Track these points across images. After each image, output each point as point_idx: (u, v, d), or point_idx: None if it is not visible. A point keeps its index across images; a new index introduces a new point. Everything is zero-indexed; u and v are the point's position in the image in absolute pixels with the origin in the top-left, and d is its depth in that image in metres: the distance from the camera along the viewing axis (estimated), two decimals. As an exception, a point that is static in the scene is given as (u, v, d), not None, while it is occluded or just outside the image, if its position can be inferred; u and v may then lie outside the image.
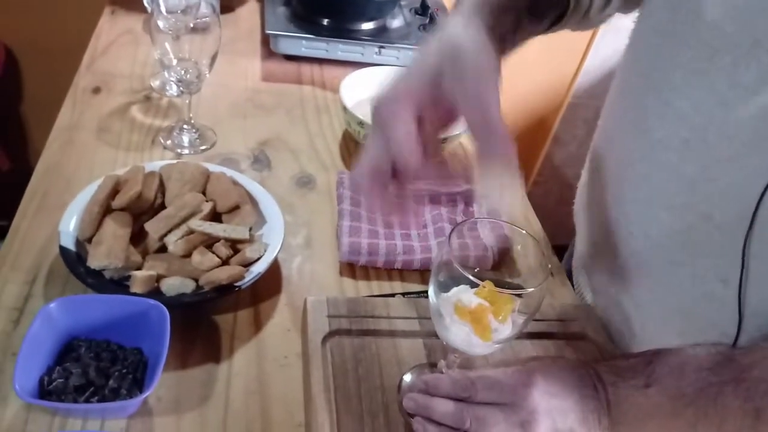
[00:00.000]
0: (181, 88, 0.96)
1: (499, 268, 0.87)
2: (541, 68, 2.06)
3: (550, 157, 2.33)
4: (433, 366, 0.69)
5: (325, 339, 0.69)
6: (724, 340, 0.63)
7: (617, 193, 0.74)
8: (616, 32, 1.82)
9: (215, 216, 0.80)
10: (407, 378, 0.68)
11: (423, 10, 1.38)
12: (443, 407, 0.59)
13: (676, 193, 0.64)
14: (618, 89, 0.77)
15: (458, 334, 0.59)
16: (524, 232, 0.65)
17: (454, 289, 0.60)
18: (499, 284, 0.57)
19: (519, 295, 0.59)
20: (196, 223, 0.75)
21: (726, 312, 0.62)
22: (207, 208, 0.78)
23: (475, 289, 0.58)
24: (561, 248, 0.97)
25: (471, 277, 0.55)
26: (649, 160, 0.68)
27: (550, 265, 0.60)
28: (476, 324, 0.58)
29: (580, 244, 0.90)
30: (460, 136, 1.05)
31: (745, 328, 0.61)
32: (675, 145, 0.64)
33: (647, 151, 0.68)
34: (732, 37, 0.57)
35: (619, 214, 0.74)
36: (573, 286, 0.91)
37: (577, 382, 0.59)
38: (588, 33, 2.01)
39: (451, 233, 0.60)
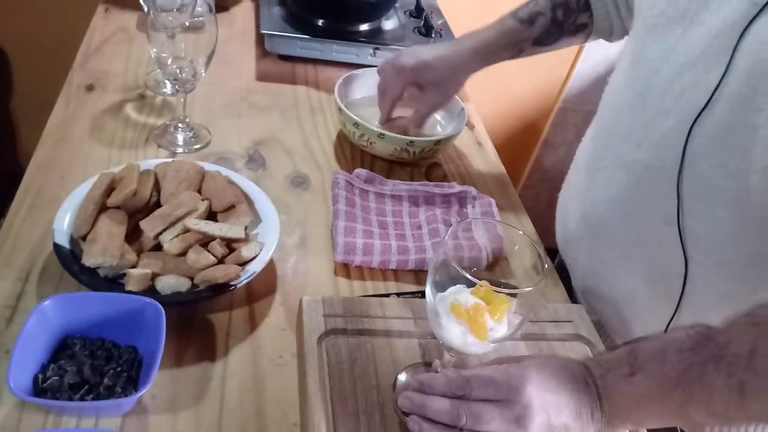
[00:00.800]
0: (176, 87, 0.95)
1: (492, 268, 0.88)
2: (532, 73, 2.07)
3: (540, 160, 2.33)
4: (428, 365, 0.70)
5: (320, 338, 0.69)
6: (677, 280, 0.72)
7: (588, 162, 0.86)
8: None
9: (210, 215, 0.80)
10: (402, 377, 0.68)
11: (418, 12, 1.38)
12: (438, 405, 0.60)
13: (629, 151, 0.75)
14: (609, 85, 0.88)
15: (454, 333, 0.60)
16: (521, 232, 0.65)
17: (451, 289, 0.60)
18: (494, 284, 0.58)
19: (514, 295, 0.59)
20: (192, 222, 0.75)
21: (674, 251, 0.71)
22: (202, 206, 0.78)
23: (472, 288, 0.58)
24: (551, 251, 0.97)
25: (469, 276, 0.56)
26: (611, 129, 0.80)
27: (546, 265, 0.60)
28: (472, 323, 0.58)
29: (560, 229, 0.96)
30: (453, 138, 1.05)
31: (691, 262, 0.71)
32: (632, 102, 0.76)
33: (609, 121, 0.81)
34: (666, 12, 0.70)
35: (586, 184, 0.85)
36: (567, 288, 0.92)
37: (570, 377, 0.60)
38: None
39: (449, 233, 0.60)
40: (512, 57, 0.99)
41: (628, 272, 0.80)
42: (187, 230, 0.75)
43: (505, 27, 0.97)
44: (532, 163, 2.34)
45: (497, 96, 2.08)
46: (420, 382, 0.62)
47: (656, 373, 0.58)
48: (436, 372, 0.66)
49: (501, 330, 0.59)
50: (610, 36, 0.97)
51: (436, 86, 1.01)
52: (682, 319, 0.74)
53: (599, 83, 2.23)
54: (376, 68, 1.12)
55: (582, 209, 0.87)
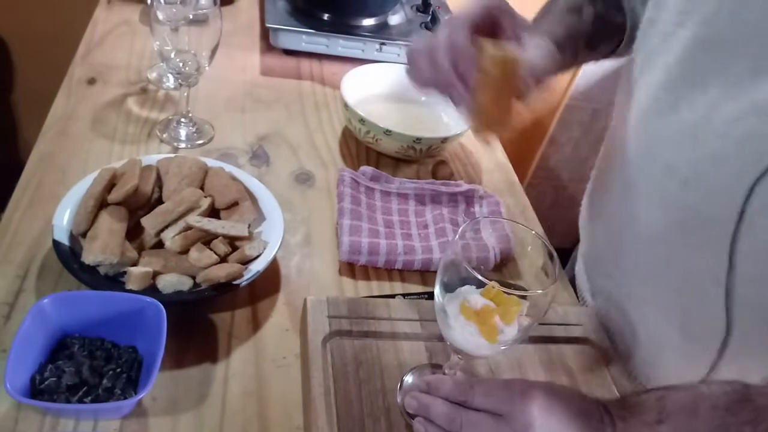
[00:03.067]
0: (179, 81, 0.94)
1: (500, 269, 0.86)
2: (538, 69, 2.05)
3: (545, 158, 2.32)
4: (435, 367, 0.68)
5: (325, 340, 0.67)
6: (714, 340, 0.64)
7: (619, 194, 0.75)
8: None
9: (213, 212, 0.78)
10: (408, 379, 0.66)
11: (425, 7, 1.36)
12: (439, 408, 0.58)
13: (671, 189, 0.64)
14: (623, 89, 0.76)
15: (463, 334, 0.58)
16: (533, 232, 0.63)
17: (460, 289, 0.59)
18: (503, 286, 0.56)
19: (524, 297, 0.57)
20: (195, 219, 0.73)
21: (716, 312, 0.63)
22: (205, 203, 0.76)
23: (482, 289, 0.57)
24: (557, 251, 0.96)
25: (480, 277, 0.54)
26: (647, 157, 0.68)
27: (558, 269, 0.58)
28: (482, 325, 0.57)
29: (584, 248, 0.88)
30: (460, 135, 1.03)
31: (735, 327, 0.62)
32: (670, 140, 0.64)
33: (645, 148, 0.68)
34: (722, 33, 0.58)
35: (621, 215, 0.75)
36: (575, 290, 0.90)
37: (583, 409, 0.57)
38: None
39: (459, 233, 0.59)
40: (571, 61, 0.78)
41: (661, 314, 0.72)
42: (189, 228, 0.73)
43: (557, 13, 0.80)
44: (537, 161, 2.32)
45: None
46: (427, 382, 0.61)
47: (685, 426, 0.54)
48: (444, 374, 0.65)
49: (511, 332, 0.58)
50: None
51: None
52: (718, 377, 0.68)
53: (606, 80, 2.23)
54: (382, 64, 1.11)
55: (612, 237, 0.78)
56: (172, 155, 0.84)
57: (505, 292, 0.55)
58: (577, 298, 0.88)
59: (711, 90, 0.59)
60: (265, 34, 1.27)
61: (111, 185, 0.75)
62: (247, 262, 0.74)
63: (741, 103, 0.57)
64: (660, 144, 0.66)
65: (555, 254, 0.59)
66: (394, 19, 1.31)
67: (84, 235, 0.71)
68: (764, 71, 0.55)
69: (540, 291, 0.56)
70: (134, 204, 0.75)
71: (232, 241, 0.75)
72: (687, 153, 0.62)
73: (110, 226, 0.71)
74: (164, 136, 0.98)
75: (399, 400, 0.64)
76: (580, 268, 0.90)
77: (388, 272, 0.84)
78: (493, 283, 0.55)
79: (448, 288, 0.59)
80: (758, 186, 0.55)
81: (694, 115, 0.61)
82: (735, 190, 0.57)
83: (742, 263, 0.59)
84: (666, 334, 0.71)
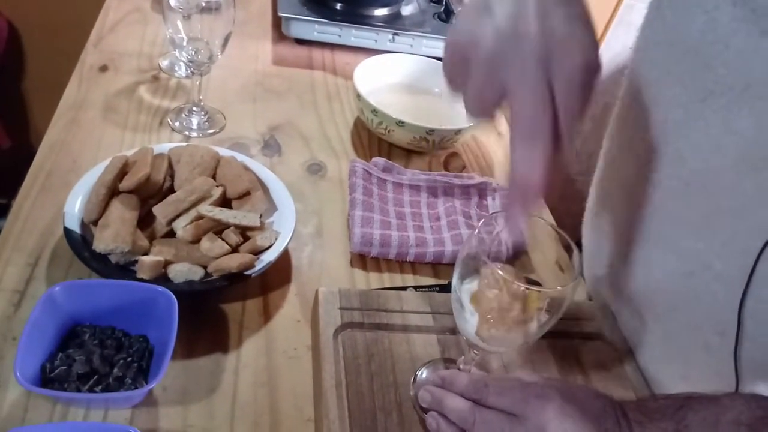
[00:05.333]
0: (191, 69, 0.93)
1: (513, 262, 0.85)
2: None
3: (555, 151, 2.30)
4: (448, 361, 0.67)
5: (336, 332, 0.67)
6: (725, 389, 0.59)
7: (624, 230, 0.71)
8: (627, 27, 1.79)
9: (225, 202, 0.78)
10: (421, 373, 0.66)
11: (438, -3, 1.35)
12: (453, 403, 0.57)
13: (682, 237, 0.62)
14: (620, 118, 0.73)
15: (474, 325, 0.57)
16: (550, 226, 0.62)
17: (474, 281, 0.58)
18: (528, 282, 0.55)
19: (535, 289, 0.55)
20: (206, 209, 0.73)
21: (724, 364, 0.60)
22: (217, 193, 0.75)
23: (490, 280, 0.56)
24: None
25: (497, 269, 0.53)
26: (654, 199, 0.65)
27: (577, 265, 0.57)
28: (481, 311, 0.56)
29: (588, 261, 0.86)
30: (473, 127, 1.02)
31: (743, 382, 0.60)
32: (677, 188, 0.61)
33: (651, 190, 0.64)
34: (725, 79, 0.54)
35: (625, 251, 0.71)
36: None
37: (599, 411, 0.55)
38: (599, 27, 1.98)
39: (479, 226, 0.58)
40: None
41: (663, 359, 0.70)
42: (200, 217, 0.73)
43: None
44: (547, 155, 2.30)
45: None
46: (442, 377, 0.60)
47: None
48: (459, 369, 0.64)
49: (530, 328, 0.57)
50: None
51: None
52: None
53: (619, 74, 2.20)
54: (395, 54, 1.10)
55: (614, 270, 0.74)
56: (184, 144, 0.83)
57: (526, 288, 0.54)
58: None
59: (713, 136, 0.56)
60: (277, 23, 1.26)
61: (123, 173, 0.75)
62: (258, 252, 0.73)
63: (749, 152, 0.54)
64: (668, 192, 0.63)
65: (575, 248, 0.57)
66: (407, 9, 1.30)
67: (95, 223, 0.71)
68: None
69: (560, 287, 0.55)
70: (146, 192, 0.75)
71: (244, 231, 0.75)
72: (698, 204, 0.59)
73: (122, 215, 0.70)
74: (176, 124, 0.97)
75: (412, 393, 0.63)
76: (590, 288, 0.88)
77: (400, 264, 0.84)
78: (498, 267, 0.54)
79: (465, 281, 0.58)
80: None
81: (697, 161, 0.58)
82: (747, 246, 0.55)
83: (750, 322, 0.57)
84: (670, 379, 0.70)
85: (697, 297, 0.62)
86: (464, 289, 0.58)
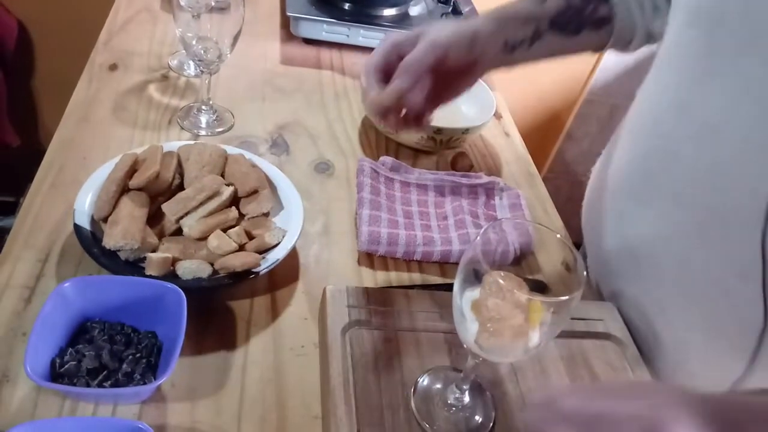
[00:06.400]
0: (200, 68, 0.93)
1: (519, 262, 0.85)
2: (557, 64, 2.03)
3: (561, 153, 2.30)
4: (455, 370, 0.67)
5: (344, 330, 0.67)
6: (749, 335, 0.62)
7: (628, 190, 0.73)
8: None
9: (234, 199, 0.78)
10: (423, 380, 0.65)
11: (446, -2, 1.35)
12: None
13: (690, 190, 0.64)
14: (642, 90, 0.76)
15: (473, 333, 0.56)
16: (558, 236, 0.61)
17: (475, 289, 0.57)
18: (522, 280, 0.54)
19: (537, 298, 0.54)
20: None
21: (749, 307, 0.61)
22: (227, 192, 0.76)
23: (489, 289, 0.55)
24: (574, 246, 0.95)
25: (500, 281, 0.52)
26: (663, 153, 0.67)
27: (586, 272, 0.56)
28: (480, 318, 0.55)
29: (592, 250, 0.87)
30: (481, 127, 1.03)
31: None
32: (688, 137, 0.63)
33: (661, 143, 0.67)
34: (734, 31, 0.57)
35: (630, 212, 0.73)
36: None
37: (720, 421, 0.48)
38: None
39: (481, 233, 0.57)
40: (532, 39, 0.80)
41: (683, 317, 0.70)
42: (209, 214, 0.73)
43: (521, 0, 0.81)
44: (554, 156, 2.30)
45: (521, 86, 2.04)
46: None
47: None
48: (460, 373, 0.63)
49: (533, 338, 0.56)
50: (629, 42, 0.83)
51: (463, 69, 0.82)
52: (755, 377, 0.65)
53: (626, 76, 2.20)
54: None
55: (622, 237, 0.76)
56: (193, 142, 0.83)
57: (528, 298, 0.53)
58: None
59: (729, 87, 0.59)
60: (285, 22, 1.26)
61: (132, 171, 0.75)
62: (266, 250, 0.74)
63: (762, 97, 0.56)
64: (677, 144, 0.65)
65: (580, 259, 0.56)
66: (415, 9, 1.30)
67: (105, 220, 0.71)
68: None
69: (563, 298, 0.53)
70: (155, 190, 0.75)
71: (251, 230, 0.75)
72: (708, 154, 0.61)
73: (131, 212, 0.71)
74: (185, 123, 0.98)
75: (413, 404, 0.63)
76: (591, 268, 0.88)
77: (407, 263, 0.84)
78: (495, 274, 0.53)
79: (468, 288, 0.57)
80: None
81: (711, 113, 0.61)
82: (760, 188, 0.57)
83: None
84: (693, 336, 0.70)
85: (710, 245, 0.63)
86: (465, 296, 0.56)
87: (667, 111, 0.67)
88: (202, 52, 0.90)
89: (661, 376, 0.75)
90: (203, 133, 0.97)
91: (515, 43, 0.79)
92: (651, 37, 0.81)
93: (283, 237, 0.75)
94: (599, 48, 0.84)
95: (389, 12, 1.26)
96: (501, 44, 0.77)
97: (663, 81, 0.69)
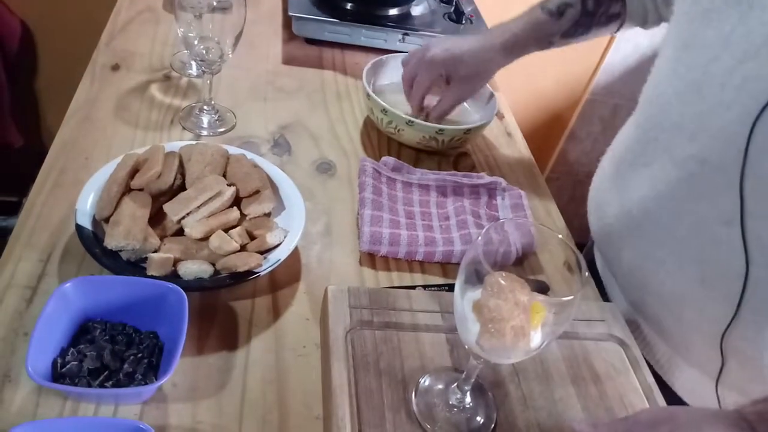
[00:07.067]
0: (202, 68, 0.93)
1: (521, 263, 0.85)
2: (560, 63, 2.03)
3: (564, 153, 2.30)
4: (456, 371, 0.67)
5: (346, 330, 0.67)
6: (735, 281, 0.67)
7: (631, 159, 0.80)
8: (636, 29, 1.79)
9: (235, 200, 0.78)
10: (424, 381, 0.65)
11: (448, -3, 1.35)
12: None
13: (680, 144, 0.69)
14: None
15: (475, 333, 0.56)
16: (560, 236, 0.61)
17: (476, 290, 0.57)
18: (523, 279, 0.54)
19: (539, 299, 0.54)
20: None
21: (733, 253, 0.66)
22: (229, 193, 0.76)
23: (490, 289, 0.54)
24: (576, 245, 0.95)
25: (501, 282, 0.52)
26: (658, 114, 0.74)
27: (587, 273, 0.56)
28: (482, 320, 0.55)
29: (595, 227, 0.89)
30: (483, 127, 1.02)
31: (753, 264, 0.65)
32: (677, 99, 0.70)
33: (658, 111, 0.74)
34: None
35: (630, 178, 0.78)
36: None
37: None
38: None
39: (482, 234, 0.57)
40: (542, 49, 0.97)
41: (679, 271, 0.74)
42: (210, 214, 0.73)
43: (534, 19, 0.95)
44: (556, 156, 2.30)
45: (524, 86, 2.04)
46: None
47: None
48: (461, 373, 0.63)
49: (534, 339, 0.56)
50: (644, 24, 0.93)
51: (465, 80, 0.99)
52: (742, 322, 0.69)
53: (629, 75, 2.20)
54: (404, 54, 1.10)
55: (623, 204, 0.81)
56: (194, 142, 0.83)
57: (530, 299, 0.53)
58: (600, 294, 0.88)
59: (706, 42, 0.66)
60: (287, 23, 1.26)
61: (134, 171, 0.75)
62: (267, 250, 0.74)
63: (736, 51, 0.62)
64: (668, 105, 0.72)
65: (582, 260, 0.56)
66: (418, 9, 1.30)
67: (107, 220, 0.71)
68: (752, 17, 0.61)
69: (565, 298, 0.53)
70: (157, 190, 0.75)
71: (253, 230, 0.75)
72: (693, 108, 0.68)
73: (133, 212, 0.71)
74: (187, 123, 0.98)
75: (414, 405, 0.63)
76: (599, 245, 0.91)
77: (409, 263, 0.84)
78: (497, 274, 0.53)
79: (469, 289, 0.57)
80: (758, 124, 0.60)
81: (694, 71, 0.67)
82: (737, 133, 0.62)
83: (752, 200, 0.63)
84: (688, 288, 0.73)
85: (698, 195, 0.68)
86: (467, 297, 0.56)
87: (665, 77, 0.74)
88: (204, 52, 0.90)
89: (663, 334, 0.80)
90: (205, 133, 0.97)
91: (526, 53, 0.97)
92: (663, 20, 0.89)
93: (285, 237, 0.75)
94: (605, 34, 0.96)
95: (391, 12, 1.26)
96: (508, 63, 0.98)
97: (664, 53, 0.75)
